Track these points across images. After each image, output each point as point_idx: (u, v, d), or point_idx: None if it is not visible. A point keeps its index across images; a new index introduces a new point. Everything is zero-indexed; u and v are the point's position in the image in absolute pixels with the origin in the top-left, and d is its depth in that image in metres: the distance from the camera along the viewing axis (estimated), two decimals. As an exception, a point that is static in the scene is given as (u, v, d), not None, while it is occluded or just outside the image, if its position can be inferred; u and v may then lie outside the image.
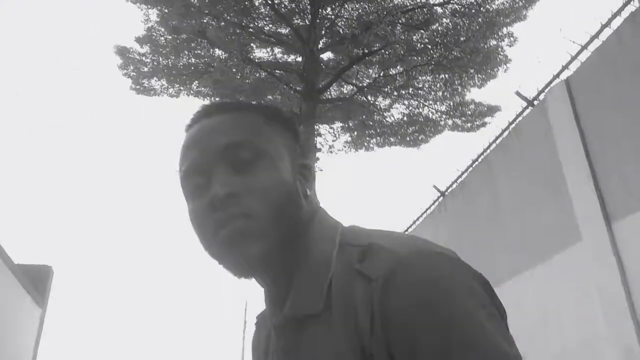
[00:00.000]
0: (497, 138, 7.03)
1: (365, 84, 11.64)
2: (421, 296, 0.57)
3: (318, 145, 11.16)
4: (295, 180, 0.74)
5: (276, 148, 0.73)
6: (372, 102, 11.81)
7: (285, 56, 12.00)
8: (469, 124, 12.16)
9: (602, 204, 4.54)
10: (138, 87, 11.72)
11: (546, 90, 5.83)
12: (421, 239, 0.67)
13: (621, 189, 4.37)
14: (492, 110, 11.94)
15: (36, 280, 13.00)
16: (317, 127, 11.22)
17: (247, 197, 0.67)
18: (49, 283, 14.02)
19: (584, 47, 5.25)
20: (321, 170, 11.40)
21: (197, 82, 11.75)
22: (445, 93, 11.54)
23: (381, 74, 11.38)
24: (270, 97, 12.12)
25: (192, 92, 12.01)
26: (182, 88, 11.92)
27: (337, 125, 12.20)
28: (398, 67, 11.17)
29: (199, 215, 0.70)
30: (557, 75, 5.74)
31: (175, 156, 0.76)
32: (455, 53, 10.24)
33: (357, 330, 0.59)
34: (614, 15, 4.86)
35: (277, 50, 11.77)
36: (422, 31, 10.41)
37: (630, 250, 4.23)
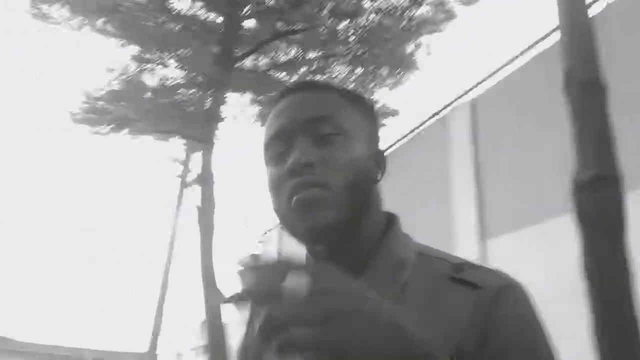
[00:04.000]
0: (396, 142, 7.35)
1: (282, 62, 11.50)
2: (528, 315, 0.69)
3: (223, 115, 10.83)
4: (369, 162, 0.79)
5: (355, 129, 0.78)
6: (286, 81, 11.72)
7: (207, 14, 11.45)
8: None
9: (481, 222, 4.95)
10: (36, 10, 10.52)
11: (451, 107, 6.20)
12: None
13: (501, 208, 4.77)
14: (393, 113, 12.39)
15: None
16: (226, 95, 10.89)
17: (323, 168, 0.73)
18: None
19: (507, 64, 5.57)
20: (218, 139, 11.14)
21: (104, 19, 10.83)
22: (357, 87, 11.78)
23: (300, 55, 11.31)
24: (180, 51, 11.52)
25: (96, 28, 11.05)
26: (86, 21, 10.91)
27: (247, 97, 11.95)
28: (318, 52, 11.17)
29: (277, 180, 0.75)
30: (464, 95, 6.12)
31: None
32: (375, 50, 10.46)
33: (446, 327, 0.66)
34: (524, 51, 5.26)
35: (198, 4, 11.19)
36: (347, 22, 10.48)
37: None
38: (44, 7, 10.45)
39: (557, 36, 4.55)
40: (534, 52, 5.05)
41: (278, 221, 0.79)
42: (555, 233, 4.04)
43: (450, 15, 10.95)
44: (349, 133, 0.76)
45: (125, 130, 11.96)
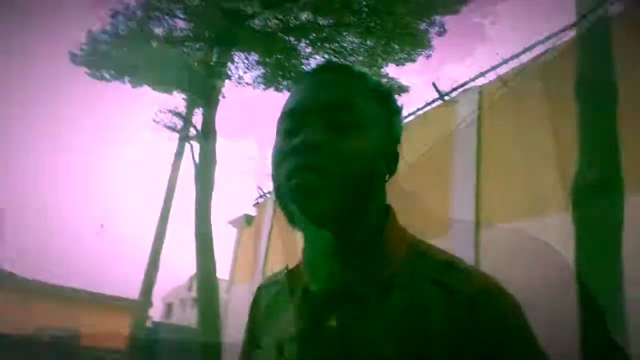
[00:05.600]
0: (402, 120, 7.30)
1: (293, 25, 11.31)
2: (511, 321, 0.67)
3: (228, 73, 10.69)
4: (378, 160, 0.76)
5: (373, 125, 0.76)
6: (295, 45, 11.54)
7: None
8: (377, 96, 12.36)
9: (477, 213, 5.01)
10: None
11: (460, 90, 6.17)
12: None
13: (498, 200, 4.82)
14: (401, 89, 12.25)
15: None
16: (233, 53, 10.74)
17: (327, 153, 0.71)
18: None
19: (518, 55, 5.43)
20: (224, 97, 11.04)
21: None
22: (366, 59, 11.62)
23: (312, 20, 11.12)
24: (190, 2, 11.27)
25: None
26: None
27: (254, 57, 11.77)
28: (330, 19, 10.98)
29: (280, 153, 0.75)
30: (473, 79, 6.07)
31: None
32: (388, 24, 10.30)
33: (418, 330, 0.66)
34: (536, 43, 5.20)
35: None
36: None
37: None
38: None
39: (571, 34, 4.50)
40: (548, 44, 5.00)
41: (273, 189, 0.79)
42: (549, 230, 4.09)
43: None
44: (365, 127, 0.75)
45: (127, 78, 11.80)
